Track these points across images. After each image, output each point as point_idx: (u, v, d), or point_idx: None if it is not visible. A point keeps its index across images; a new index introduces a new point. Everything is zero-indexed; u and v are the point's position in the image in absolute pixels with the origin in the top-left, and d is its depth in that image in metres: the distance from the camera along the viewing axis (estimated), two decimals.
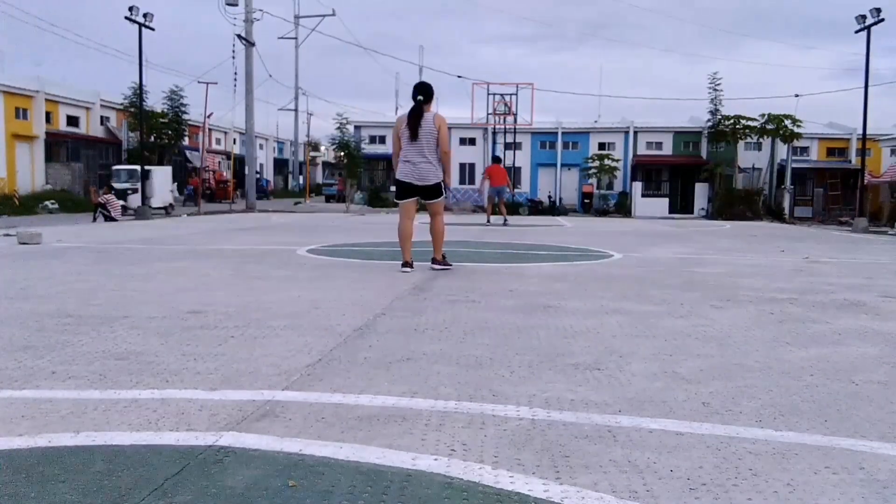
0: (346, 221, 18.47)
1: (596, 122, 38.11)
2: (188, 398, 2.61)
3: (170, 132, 35.23)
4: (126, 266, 6.93)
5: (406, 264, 6.55)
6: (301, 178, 57.24)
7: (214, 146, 46.38)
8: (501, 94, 31.98)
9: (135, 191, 24.87)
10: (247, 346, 3.45)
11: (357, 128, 36.37)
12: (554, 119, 37.81)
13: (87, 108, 35.36)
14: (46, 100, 32.00)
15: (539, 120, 34.72)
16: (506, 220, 17.63)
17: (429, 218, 6.88)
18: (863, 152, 23.97)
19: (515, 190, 32.66)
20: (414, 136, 6.52)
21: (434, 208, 6.79)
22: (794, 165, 32.85)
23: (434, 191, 6.68)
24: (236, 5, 29.07)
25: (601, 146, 36.14)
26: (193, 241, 10.70)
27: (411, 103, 6.68)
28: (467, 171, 36.10)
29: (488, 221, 18.00)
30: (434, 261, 6.79)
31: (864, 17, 21.56)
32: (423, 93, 6.64)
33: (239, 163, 37.32)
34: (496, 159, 19.92)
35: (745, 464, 2.06)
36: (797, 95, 33.15)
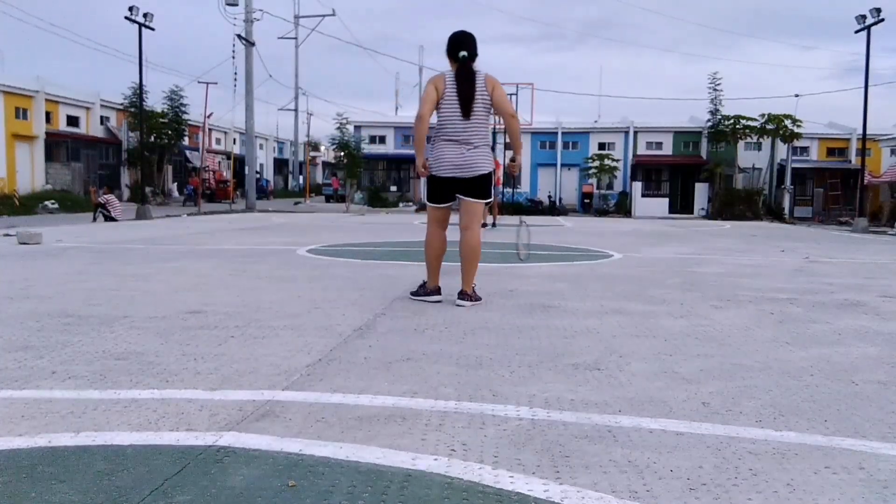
0: (347, 221, 18.46)
1: (596, 122, 38.13)
2: (188, 398, 2.61)
3: (170, 132, 35.33)
4: (126, 266, 6.93)
5: (434, 291, 4.84)
6: (301, 178, 57.23)
7: (214, 146, 46.37)
8: None
9: None
10: (247, 346, 3.45)
11: (357, 128, 36.38)
12: (554, 119, 37.84)
13: (87, 108, 35.35)
14: (46, 100, 31.98)
15: (539, 120, 34.70)
16: (489, 222, 15.62)
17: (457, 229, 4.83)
18: (863, 152, 23.98)
19: (515, 190, 32.66)
20: (467, 111, 4.58)
21: (473, 210, 4.74)
22: (794, 165, 32.89)
23: (481, 186, 4.69)
24: (236, 5, 29.10)
25: (601, 146, 36.16)
26: (193, 241, 10.70)
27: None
28: None
29: (487, 224, 15.66)
30: (464, 294, 4.77)
31: (864, 17, 21.57)
32: (470, 47, 4.64)
33: (239, 163, 37.35)
34: None
35: (745, 464, 2.06)
36: (797, 95, 33.38)
